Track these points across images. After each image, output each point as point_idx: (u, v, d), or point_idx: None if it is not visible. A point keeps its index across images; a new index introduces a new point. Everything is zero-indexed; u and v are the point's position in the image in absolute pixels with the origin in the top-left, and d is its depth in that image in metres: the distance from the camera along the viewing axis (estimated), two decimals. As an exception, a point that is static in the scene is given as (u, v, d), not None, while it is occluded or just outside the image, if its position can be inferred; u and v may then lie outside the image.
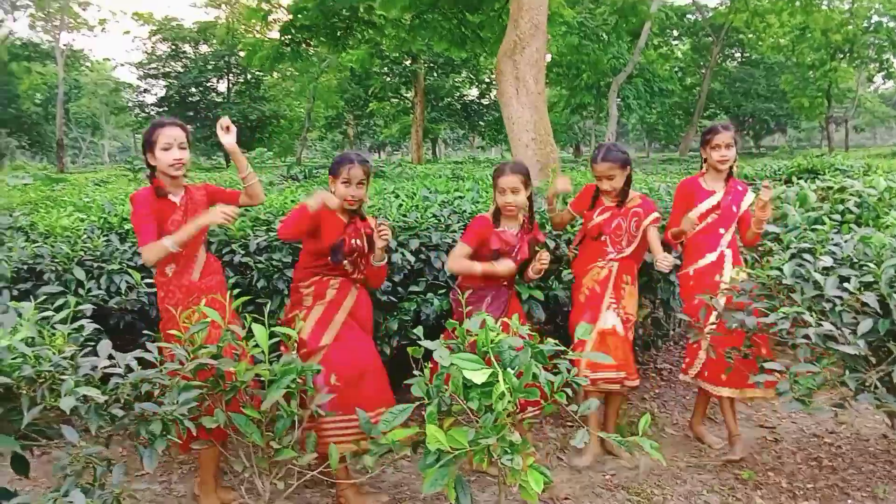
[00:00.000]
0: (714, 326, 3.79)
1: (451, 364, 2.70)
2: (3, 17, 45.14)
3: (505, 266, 3.72)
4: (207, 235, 3.68)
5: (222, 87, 46.95)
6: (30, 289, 3.93)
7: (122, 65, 57.36)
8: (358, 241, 3.56)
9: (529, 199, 3.82)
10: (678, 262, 4.29)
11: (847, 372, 3.06)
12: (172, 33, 45.68)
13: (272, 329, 2.96)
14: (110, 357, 2.53)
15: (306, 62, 17.60)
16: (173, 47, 46.46)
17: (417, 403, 2.87)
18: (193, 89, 45.71)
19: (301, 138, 44.51)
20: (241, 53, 26.73)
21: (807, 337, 3.03)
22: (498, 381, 2.65)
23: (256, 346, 2.93)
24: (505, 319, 3.09)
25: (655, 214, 4.01)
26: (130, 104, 49.16)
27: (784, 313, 3.13)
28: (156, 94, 47.37)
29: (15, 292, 3.91)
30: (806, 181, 7.28)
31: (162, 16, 49.89)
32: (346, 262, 3.53)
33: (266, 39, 14.84)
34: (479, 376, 2.68)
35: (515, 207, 3.74)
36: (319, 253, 3.51)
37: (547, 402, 2.88)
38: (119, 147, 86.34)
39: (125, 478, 3.35)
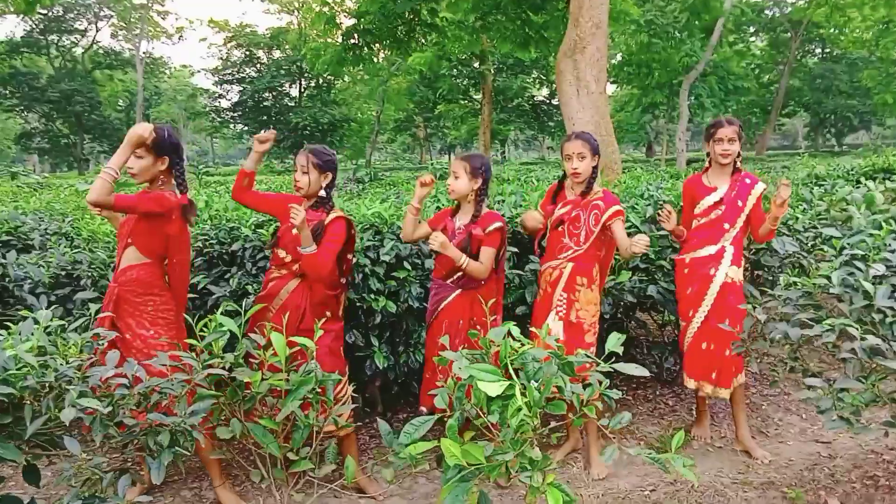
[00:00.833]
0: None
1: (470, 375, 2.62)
2: (86, 27, 46.92)
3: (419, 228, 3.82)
4: (132, 239, 3.44)
5: (294, 91, 47.73)
6: (67, 294, 4.00)
7: (198, 71, 58.62)
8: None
9: (478, 192, 3.79)
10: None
11: (898, 389, 2.85)
12: (246, 39, 46.68)
13: (290, 338, 2.94)
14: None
15: (372, 65, 17.63)
16: (247, 53, 47.50)
17: (440, 415, 2.79)
18: (266, 94, 46.61)
19: (371, 141, 44.89)
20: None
21: (853, 351, 2.83)
22: (515, 394, 2.55)
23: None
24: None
25: (617, 208, 3.87)
26: (206, 109, 50.36)
27: (829, 325, 2.93)
28: (230, 100, 48.50)
29: (52, 297, 3.98)
30: (881, 181, 6.93)
31: (237, 23, 51.14)
32: (279, 249, 3.59)
33: (329, 44, 14.95)
34: (494, 388, 2.58)
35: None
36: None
37: (575, 415, 2.78)
38: (197, 150, 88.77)
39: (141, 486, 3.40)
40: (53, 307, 3.96)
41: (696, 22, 24.90)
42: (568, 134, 4.05)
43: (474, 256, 3.70)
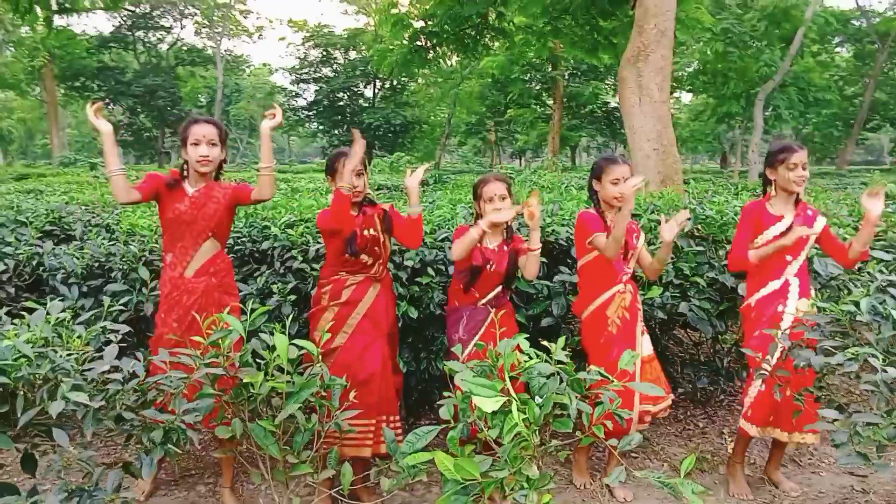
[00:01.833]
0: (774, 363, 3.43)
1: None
2: (171, 24, 48.39)
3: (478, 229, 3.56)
4: (213, 234, 3.58)
5: (369, 92, 48.26)
6: (100, 286, 4.09)
7: (277, 70, 59.82)
8: (371, 231, 3.58)
9: None
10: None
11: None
12: (324, 40, 47.38)
13: (293, 342, 2.93)
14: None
15: (438, 68, 17.74)
16: (324, 53, 48.20)
17: (444, 426, 2.75)
18: (341, 94, 47.25)
19: (441, 144, 45.05)
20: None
21: (875, 383, 2.68)
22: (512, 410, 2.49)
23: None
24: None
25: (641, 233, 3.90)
26: (282, 107, 51.21)
27: (853, 354, 2.78)
28: (306, 99, 49.32)
29: (85, 288, 4.08)
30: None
31: (315, 23, 51.93)
32: (363, 255, 3.55)
33: (396, 45, 15.03)
34: (490, 404, 2.52)
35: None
36: (339, 251, 3.54)
37: (584, 433, 2.71)
38: (275, 148, 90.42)
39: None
40: (85, 298, 4.10)
41: (776, 31, 24.25)
42: (606, 157, 3.85)
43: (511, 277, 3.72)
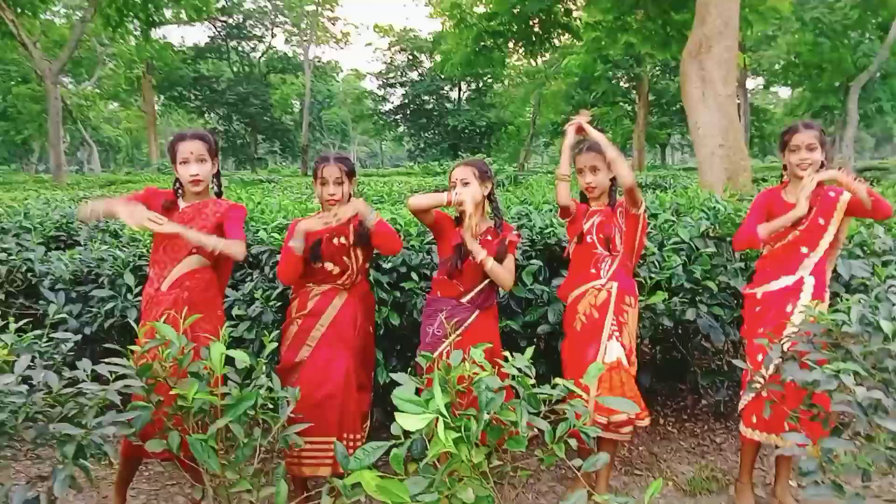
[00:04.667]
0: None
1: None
2: (263, 33, 49.71)
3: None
4: (198, 250, 3.33)
5: (454, 94, 48.34)
6: (88, 291, 4.09)
7: (365, 76, 60.65)
8: (342, 239, 3.40)
9: (491, 198, 3.56)
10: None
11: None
12: (409, 44, 47.77)
13: (229, 351, 2.80)
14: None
15: (501, 67, 17.49)
16: (410, 57, 48.58)
17: (398, 442, 2.57)
18: (427, 97, 47.52)
19: (526, 145, 44.69)
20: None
21: (852, 404, 2.36)
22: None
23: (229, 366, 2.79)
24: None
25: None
26: (370, 112, 51.97)
27: (832, 370, 2.46)
28: (393, 103, 49.82)
29: (73, 294, 4.08)
30: None
31: (400, 28, 52.42)
32: (328, 263, 3.38)
33: (459, 45, 14.87)
34: (413, 422, 2.34)
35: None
36: (306, 260, 3.37)
37: (546, 452, 2.48)
38: (368, 153, 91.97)
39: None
40: (73, 304, 4.10)
41: (873, 20, 22.90)
42: (580, 145, 3.60)
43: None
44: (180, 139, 3.37)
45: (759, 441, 3.48)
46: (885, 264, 4.02)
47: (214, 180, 3.48)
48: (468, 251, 3.36)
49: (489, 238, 3.48)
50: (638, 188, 3.45)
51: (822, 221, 3.40)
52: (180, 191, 3.44)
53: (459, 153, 41.25)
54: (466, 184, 3.46)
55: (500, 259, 3.39)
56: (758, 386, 3.17)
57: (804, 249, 3.41)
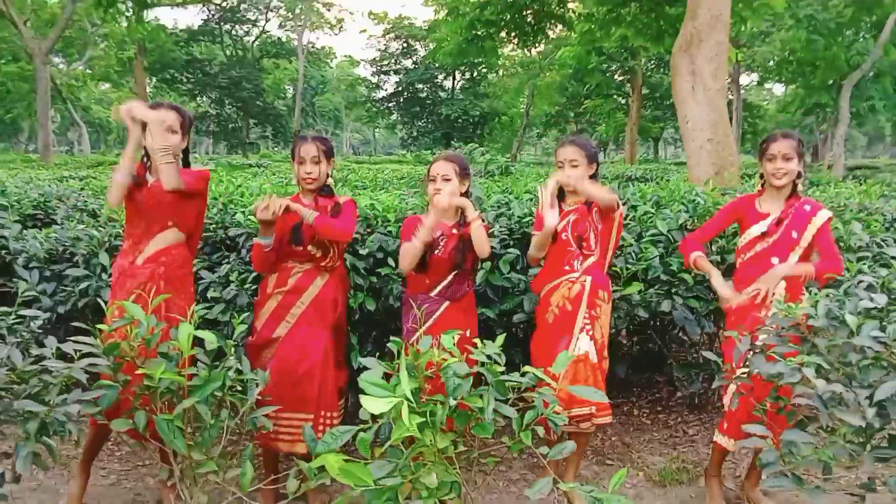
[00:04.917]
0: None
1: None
2: (257, 17, 49.42)
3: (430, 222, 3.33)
4: (175, 223, 3.40)
5: (448, 83, 48.19)
6: (62, 270, 4.06)
7: (359, 62, 60.51)
8: None
9: (467, 193, 3.55)
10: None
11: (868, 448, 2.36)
12: (404, 31, 47.55)
13: (199, 331, 2.79)
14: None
15: (495, 57, 17.47)
16: (405, 45, 48.39)
17: (367, 427, 2.57)
18: (421, 85, 47.36)
19: (519, 135, 44.65)
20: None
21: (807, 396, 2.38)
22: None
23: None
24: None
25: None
26: (363, 99, 51.80)
27: (794, 363, 2.47)
28: (386, 90, 49.65)
29: (47, 273, 4.06)
30: None
31: (395, 15, 52.21)
32: (310, 246, 3.39)
33: (452, 34, 14.82)
34: (377, 405, 2.34)
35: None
36: (284, 239, 3.38)
37: (513, 440, 2.49)
38: (361, 140, 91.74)
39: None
40: (47, 282, 4.08)
41: (866, 18, 22.91)
42: (561, 139, 3.63)
43: (464, 265, 3.49)
44: (156, 107, 3.35)
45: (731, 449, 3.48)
46: (859, 259, 4.03)
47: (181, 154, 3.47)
48: (434, 245, 3.40)
49: (454, 231, 3.48)
50: (619, 203, 3.48)
51: (794, 235, 3.40)
52: (149, 164, 3.41)
53: (452, 142, 41.18)
54: (448, 180, 3.46)
55: (459, 254, 3.44)
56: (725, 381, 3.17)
57: (774, 260, 3.40)
